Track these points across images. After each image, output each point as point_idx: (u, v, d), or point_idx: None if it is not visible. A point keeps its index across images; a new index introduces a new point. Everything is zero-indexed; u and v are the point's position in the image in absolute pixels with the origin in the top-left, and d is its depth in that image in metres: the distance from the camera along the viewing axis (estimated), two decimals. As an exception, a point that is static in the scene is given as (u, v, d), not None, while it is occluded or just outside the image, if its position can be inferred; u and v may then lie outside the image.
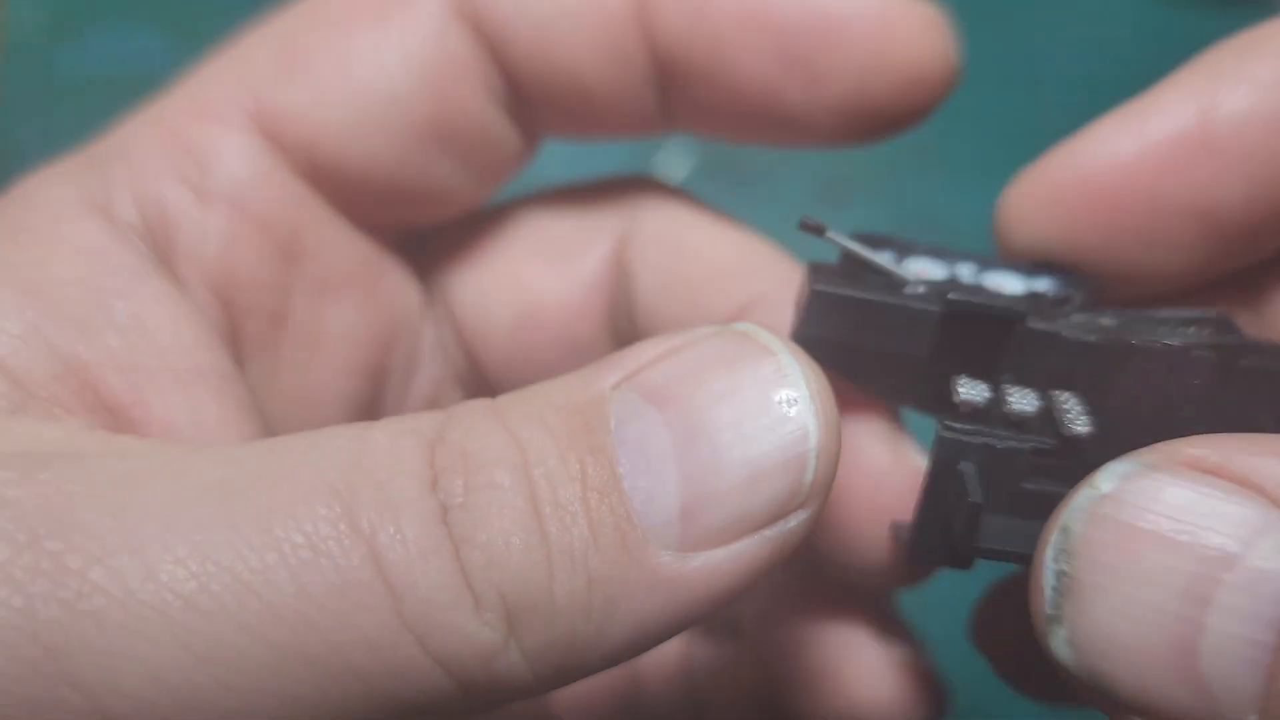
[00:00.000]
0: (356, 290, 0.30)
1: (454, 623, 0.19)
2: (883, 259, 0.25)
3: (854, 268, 0.25)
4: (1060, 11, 0.69)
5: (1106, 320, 0.24)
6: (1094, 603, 0.19)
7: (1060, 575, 0.20)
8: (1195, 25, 0.69)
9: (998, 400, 0.23)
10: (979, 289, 0.25)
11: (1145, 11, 0.70)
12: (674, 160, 0.69)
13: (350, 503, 0.19)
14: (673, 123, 0.29)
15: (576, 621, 0.20)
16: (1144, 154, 0.25)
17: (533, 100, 0.28)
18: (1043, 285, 0.25)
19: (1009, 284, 0.25)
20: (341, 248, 0.29)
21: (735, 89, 0.27)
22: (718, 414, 0.21)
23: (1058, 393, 0.23)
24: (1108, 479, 0.19)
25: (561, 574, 0.20)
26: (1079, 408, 0.22)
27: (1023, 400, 0.22)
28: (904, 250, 0.25)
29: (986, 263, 0.25)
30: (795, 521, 0.21)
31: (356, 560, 0.19)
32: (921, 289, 0.24)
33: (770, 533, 0.21)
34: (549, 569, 0.20)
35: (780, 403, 0.21)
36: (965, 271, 0.25)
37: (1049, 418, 0.22)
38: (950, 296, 0.23)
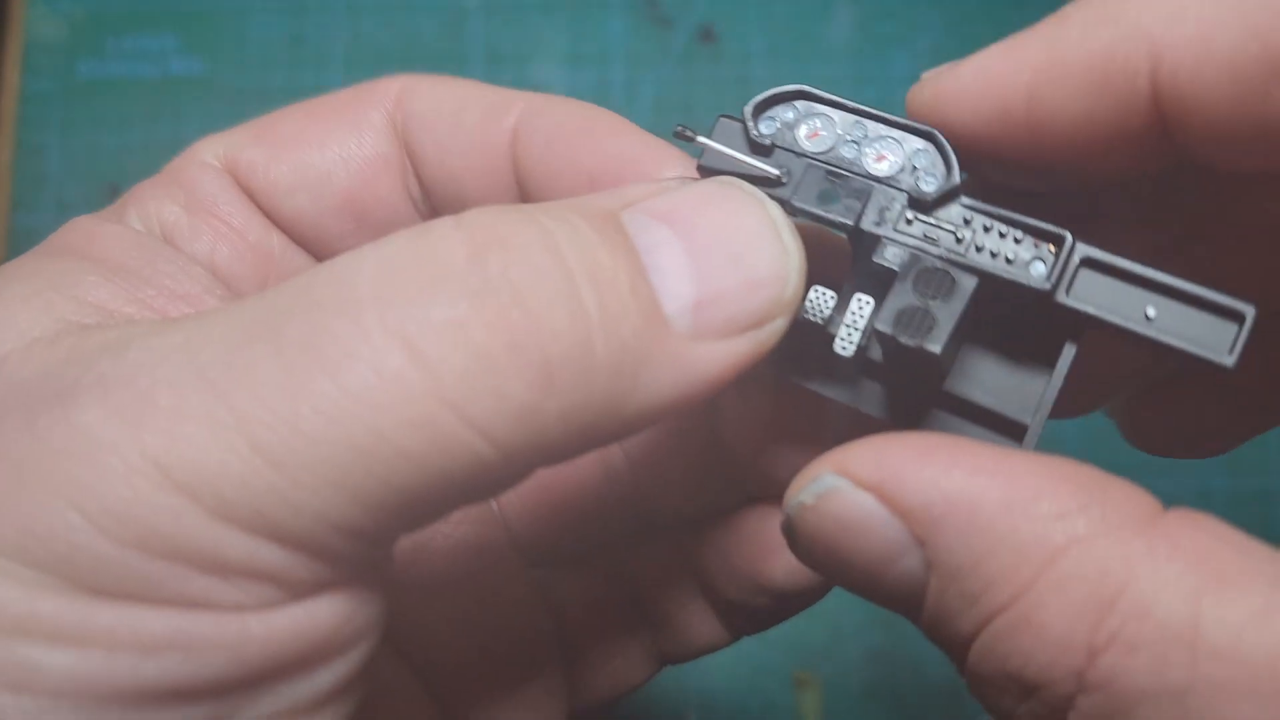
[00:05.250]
0: None
1: (493, 386, 0.22)
2: (755, 159, 0.28)
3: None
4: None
5: (940, 222, 0.27)
6: (809, 565, 0.27)
7: (789, 533, 0.26)
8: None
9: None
10: (851, 164, 0.28)
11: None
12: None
13: (376, 304, 0.22)
14: None
15: (610, 380, 0.23)
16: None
17: (440, 209, 0.34)
18: (922, 160, 0.28)
19: (890, 153, 0.28)
20: (297, 254, 0.35)
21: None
22: (722, 232, 0.26)
23: (859, 297, 0.27)
24: (808, 492, 0.26)
25: (600, 336, 0.23)
26: (857, 322, 0.27)
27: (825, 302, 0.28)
28: (803, 112, 0.29)
29: (879, 125, 0.28)
30: (773, 327, 0.26)
31: (386, 353, 0.22)
32: (785, 179, 0.28)
33: (755, 334, 0.25)
34: (589, 332, 0.23)
35: (770, 229, 0.26)
36: (853, 136, 0.29)
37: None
38: (793, 202, 0.28)
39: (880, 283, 0.28)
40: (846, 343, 0.27)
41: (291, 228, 0.34)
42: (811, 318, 0.27)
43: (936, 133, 0.28)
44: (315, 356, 0.21)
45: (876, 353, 0.28)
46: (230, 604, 0.22)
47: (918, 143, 0.28)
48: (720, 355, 0.25)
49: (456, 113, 0.34)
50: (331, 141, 0.34)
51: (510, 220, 0.24)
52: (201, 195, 0.33)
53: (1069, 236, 0.26)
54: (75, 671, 0.21)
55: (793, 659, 0.63)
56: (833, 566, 0.26)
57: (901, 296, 0.26)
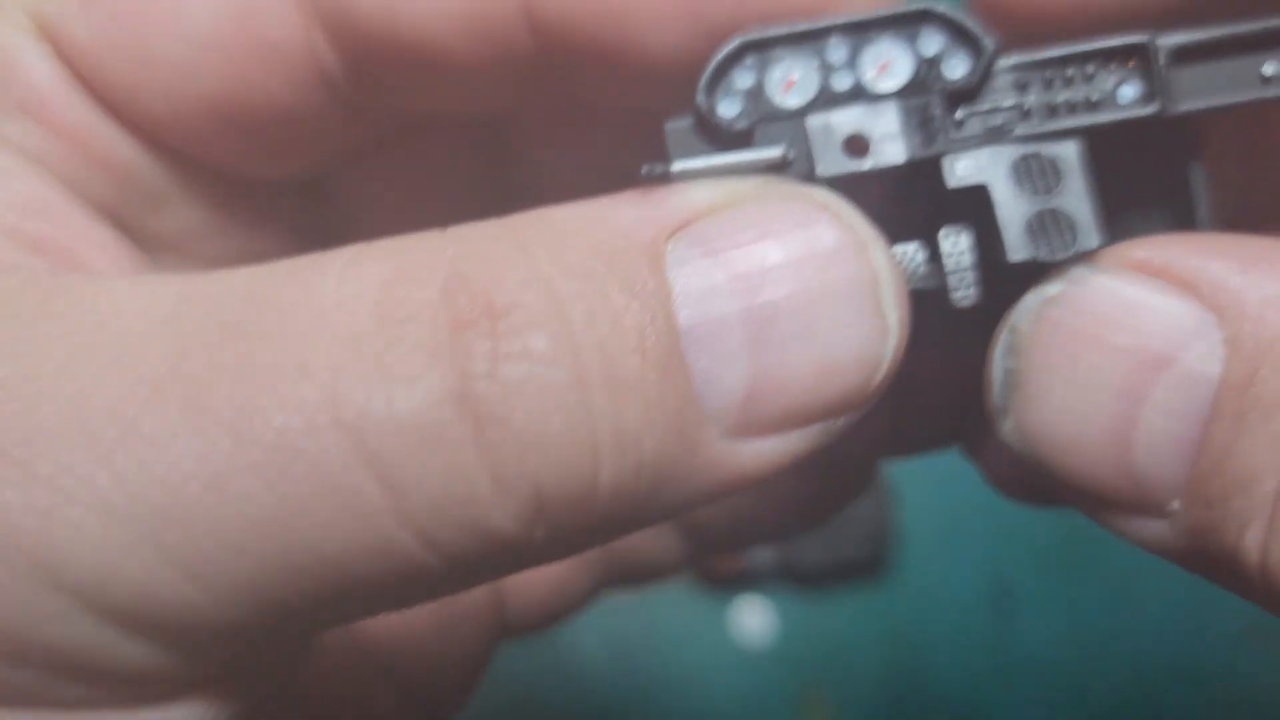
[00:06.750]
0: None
1: (469, 518, 0.17)
2: (740, 154, 0.21)
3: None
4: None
5: (1000, 102, 0.22)
6: (1038, 398, 0.20)
7: (1008, 371, 0.20)
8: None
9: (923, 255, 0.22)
10: (856, 94, 0.22)
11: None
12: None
13: (330, 383, 0.17)
14: (556, 95, 0.25)
15: (617, 507, 0.18)
16: None
17: (382, 82, 0.24)
18: (932, 47, 0.22)
19: (892, 57, 0.22)
20: (158, 163, 0.25)
21: (647, 64, 0.23)
22: (800, 293, 0.19)
23: (944, 233, 0.22)
24: (1057, 282, 0.20)
25: (609, 460, 0.17)
26: (960, 259, 0.22)
27: (915, 258, 0.22)
28: (759, 65, 0.22)
29: (861, 34, 0.22)
30: (846, 419, 0.20)
31: (341, 457, 0.16)
32: (790, 156, 0.22)
33: (821, 426, 0.19)
34: (595, 456, 0.17)
35: (868, 291, 0.19)
36: (837, 62, 0.22)
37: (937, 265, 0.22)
38: (820, 176, 0.21)
39: (954, 209, 0.22)
40: (964, 288, 0.22)
41: (144, 130, 0.24)
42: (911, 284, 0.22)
43: (930, 7, 0.22)
44: (248, 444, 0.16)
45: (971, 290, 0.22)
46: (94, 703, 0.18)
47: (915, 29, 0.22)
48: (767, 454, 0.19)
49: None
50: (188, 19, 0.23)
51: (511, 276, 0.17)
52: (16, 83, 0.23)
53: (1148, 38, 0.21)
54: None
55: (802, 679, 0.62)
56: (1071, 393, 0.19)
57: (1011, 208, 0.21)
